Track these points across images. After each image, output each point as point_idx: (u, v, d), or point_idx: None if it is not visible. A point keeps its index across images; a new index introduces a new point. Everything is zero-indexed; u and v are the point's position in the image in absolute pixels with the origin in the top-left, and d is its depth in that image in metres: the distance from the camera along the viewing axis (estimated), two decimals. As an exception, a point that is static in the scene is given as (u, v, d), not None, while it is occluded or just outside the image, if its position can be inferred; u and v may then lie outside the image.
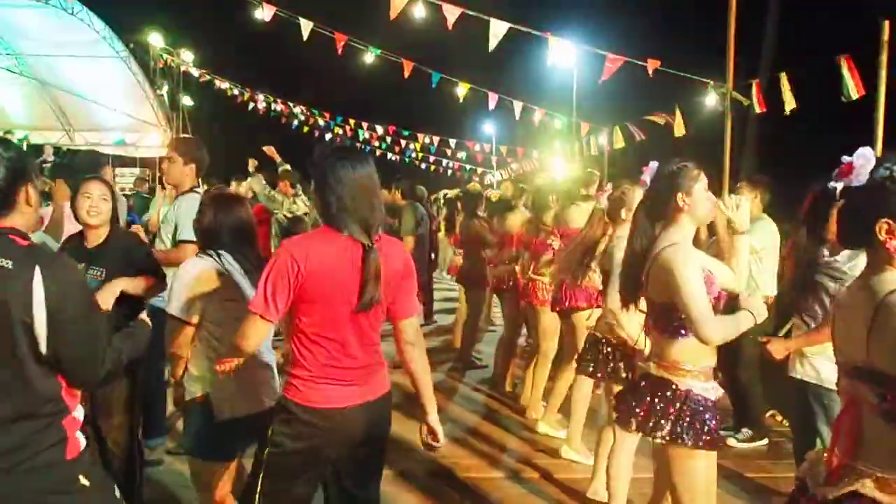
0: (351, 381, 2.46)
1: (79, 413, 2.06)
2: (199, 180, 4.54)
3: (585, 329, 4.50)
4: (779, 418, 5.63)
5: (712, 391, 2.77)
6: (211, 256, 2.99)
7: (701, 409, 2.71)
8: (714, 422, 2.72)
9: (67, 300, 1.93)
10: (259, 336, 2.40)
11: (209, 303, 2.93)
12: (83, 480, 2.00)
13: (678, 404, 2.70)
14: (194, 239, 3.29)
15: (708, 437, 2.69)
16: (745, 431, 5.16)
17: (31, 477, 1.90)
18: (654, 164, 2.94)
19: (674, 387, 2.73)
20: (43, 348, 1.90)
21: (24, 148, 13.60)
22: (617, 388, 3.78)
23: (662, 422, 2.70)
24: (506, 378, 6.50)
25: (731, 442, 5.05)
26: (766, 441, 5.18)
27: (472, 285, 7.34)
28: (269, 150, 8.12)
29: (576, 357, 4.34)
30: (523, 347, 7.04)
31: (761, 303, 2.77)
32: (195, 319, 2.94)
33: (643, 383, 2.84)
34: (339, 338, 2.41)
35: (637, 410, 2.79)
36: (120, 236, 3.62)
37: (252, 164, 8.27)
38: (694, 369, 2.74)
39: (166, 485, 4.25)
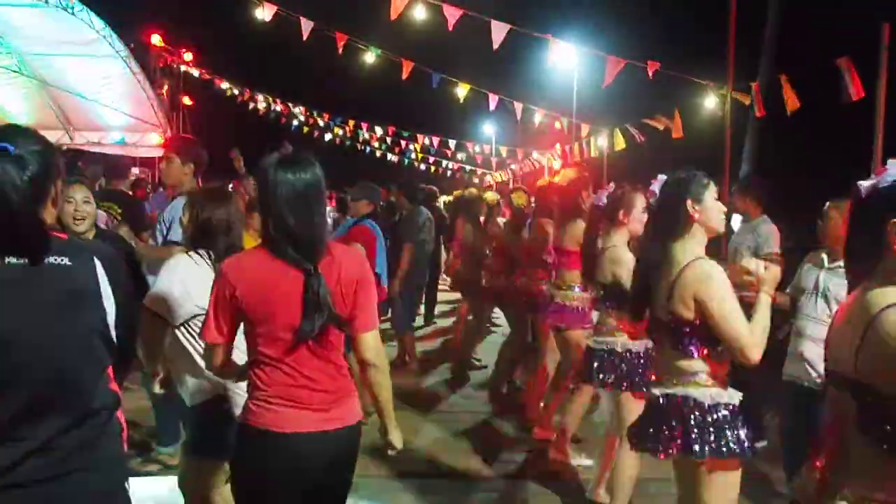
0: (307, 405, 2.26)
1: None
2: (199, 181, 4.53)
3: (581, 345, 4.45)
4: (779, 420, 5.62)
5: (734, 396, 2.68)
6: (201, 256, 2.94)
7: (725, 418, 2.61)
8: (742, 429, 2.62)
9: (123, 287, 1.91)
10: (219, 358, 2.33)
11: (196, 304, 2.85)
12: (127, 486, 1.96)
13: (701, 419, 2.60)
14: (181, 241, 3.27)
15: (732, 448, 2.59)
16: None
17: (86, 477, 1.81)
18: (662, 177, 2.85)
19: (693, 401, 2.62)
20: (114, 335, 1.87)
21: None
22: (624, 397, 3.78)
23: (688, 440, 2.59)
24: (508, 380, 6.48)
25: None
26: (764, 443, 5.17)
27: (470, 291, 7.35)
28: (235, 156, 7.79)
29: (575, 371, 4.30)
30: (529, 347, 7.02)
31: (773, 272, 2.63)
32: (177, 320, 2.89)
33: (660, 401, 2.71)
34: (290, 360, 2.24)
35: (658, 431, 2.68)
36: (105, 237, 3.60)
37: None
38: (711, 380, 2.65)
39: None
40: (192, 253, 2.97)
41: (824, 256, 3.78)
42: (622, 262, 3.78)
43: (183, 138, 4.53)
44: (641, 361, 3.77)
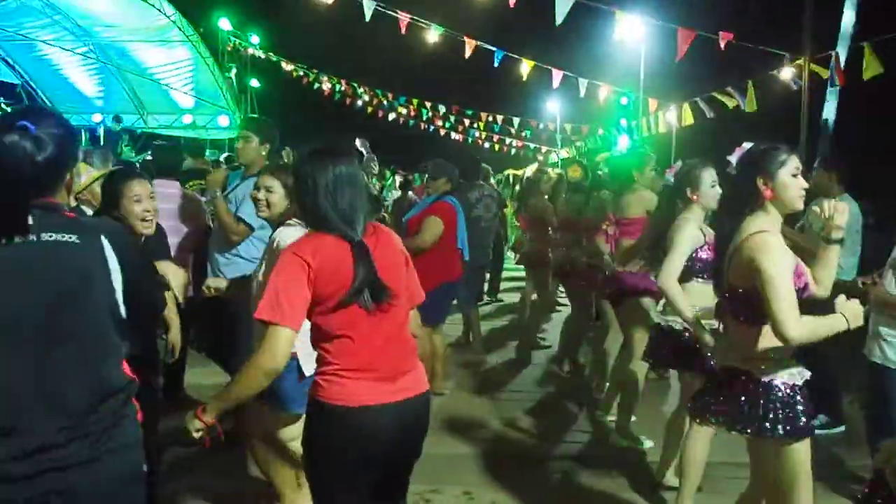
0: (377, 376, 2.30)
1: None
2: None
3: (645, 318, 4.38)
4: (858, 405, 5.42)
5: (799, 375, 2.63)
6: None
7: (791, 397, 2.58)
8: (805, 408, 2.59)
9: (134, 264, 1.95)
10: (287, 348, 2.18)
11: None
12: (144, 466, 2.00)
13: (766, 397, 2.57)
14: (249, 222, 3.31)
15: (802, 426, 2.57)
16: (822, 418, 4.99)
17: (113, 460, 1.85)
18: (745, 145, 2.75)
19: (759, 379, 2.59)
20: (123, 313, 1.90)
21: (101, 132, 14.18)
22: (689, 377, 3.69)
23: (751, 417, 2.57)
24: (571, 359, 6.42)
25: None
26: (842, 428, 5.00)
27: (535, 266, 7.31)
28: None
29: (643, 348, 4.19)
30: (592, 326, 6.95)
31: (859, 308, 2.56)
32: None
33: (725, 377, 2.69)
34: (358, 333, 2.28)
35: (721, 407, 2.67)
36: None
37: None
38: (777, 356, 2.60)
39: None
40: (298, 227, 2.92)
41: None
42: (684, 232, 3.63)
43: (260, 119, 4.60)
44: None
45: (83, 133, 15.52)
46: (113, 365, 1.89)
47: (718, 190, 3.68)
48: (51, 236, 1.77)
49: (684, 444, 3.69)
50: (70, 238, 1.79)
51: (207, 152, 17.42)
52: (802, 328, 2.46)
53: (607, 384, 5.42)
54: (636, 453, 4.57)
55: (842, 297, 2.59)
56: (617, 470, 4.34)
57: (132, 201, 2.98)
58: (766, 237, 2.54)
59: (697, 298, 3.52)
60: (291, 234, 2.87)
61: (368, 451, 2.32)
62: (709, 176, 3.73)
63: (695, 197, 3.73)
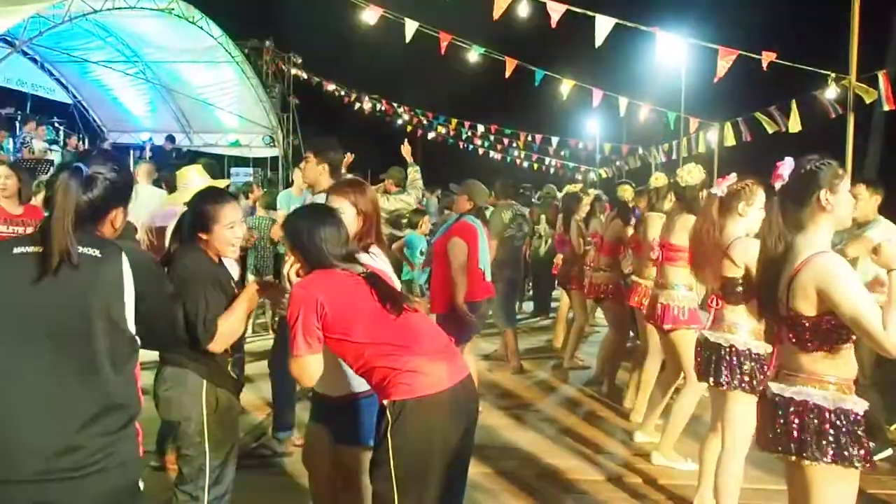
0: (444, 359, 2.58)
1: None
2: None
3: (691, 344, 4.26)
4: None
5: (859, 404, 2.53)
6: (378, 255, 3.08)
7: (849, 424, 2.49)
8: (863, 439, 2.49)
9: (152, 286, 2.09)
10: (315, 370, 2.58)
11: None
12: (140, 485, 2.07)
13: (818, 423, 2.48)
14: None
15: (858, 457, 2.46)
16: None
17: (103, 478, 1.91)
18: (789, 160, 2.68)
19: (813, 404, 2.51)
20: (133, 330, 2.01)
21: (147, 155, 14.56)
22: (733, 396, 3.58)
23: (804, 443, 2.49)
24: (609, 379, 6.38)
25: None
26: (888, 453, 4.86)
27: (572, 287, 7.31)
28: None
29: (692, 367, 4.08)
30: (629, 348, 6.90)
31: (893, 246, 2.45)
32: None
33: (778, 400, 2.59)
34: (405, 333, 2.55)
35: (775, 430, 2.58)
36: None
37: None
38: (837, 381, 2.52)
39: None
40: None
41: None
42: (747, 253, 3.50)
43: (319, 139, 4.67)
44: (761, 363, 3.55)
45: (131, 152, 15.91)
46: (116, 381, 1.97)
47: (763, 213, 3.62)
48: (79, 249, 1.95)
49: (718, 467, 3.63)
50: (93, 252, 1.98)
51: (250, 170, 17.83)
52: (893, 334, 2.34)
53: (643, 403, 5.37)
54: (674, 474, 4.51)
55: (880, 244, 2.46)
56: (655, 491, 4.29)
57: (225, 227, 2.91)
58: (827, 258, 2.48)
59: (747, 317, 3.58)
60: (377, 261, 3.02)
61: (458, 430, 2.54)
62: (762, 197, 3.55)
63: (745, 214, 3.64)
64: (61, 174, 1.99)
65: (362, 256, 2.88)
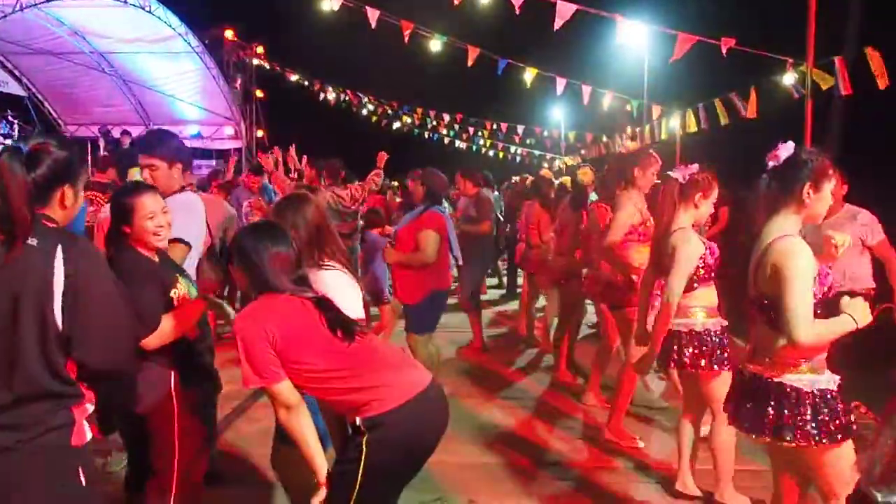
0: (404, 371, 2.55)
1: (90, 406, 2.09)
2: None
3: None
4: (863, 410, 5.38)
5: (832, 382, 2.61)
6: (334, 268, 3.00)
7: (824, 401, 2.56)
8: (841, 409, 2.57)
9: (89, 280, 1.98)
10: (291, 392, 2.45)
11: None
12: (81, 475, 2.02)
13: (800, 403, 2.56)
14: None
15: (839, 427, 2.55)
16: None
17: (35, 458, 1.92)
18: (791, 144, 2.72)
19: (791, 385, 2.58)
20: (59, 323, 1.93)
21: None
22: (702, 376, 3.70)
23: (789, 424, 2.56)
24: (560, 360, 6.43)
25: None
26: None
27: (533, 270, 7.56)
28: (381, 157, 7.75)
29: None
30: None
31: (865, 308, 2.56)
32: None
33: (755, 384, 2.68)
34: (357, 355, 2.48)
35: (753, 414, 2.66)
36: None
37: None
38: (809, 363, 2.60)
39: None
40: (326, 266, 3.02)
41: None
42: (690, 243, 3.65)
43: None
44: (718, 339, 3.71)
45: (89, 144, 15.56)
46: (38, 369, 1.94)
47: (711, 209, 3.81)
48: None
49: (711, 439, 3.73)
50: (32, 241, 1.92)
51: (212, 162, 17.57)
52: (811, 331, 2.47)
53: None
54: (646, 460, 4.53)
55: (846, 298, 2.60)
56: (627, 477, 4.32)
57: (145, 218, 2.88)
58: (793, 241, 2.56)
59: (702, 300, 3.71)
60: (333, 277, 2.96)
61: (435, 432, 2.55)
62: (716, 191, 3.76)
63: (699, 205, 3.72)
64: (2, 156, 1.90)
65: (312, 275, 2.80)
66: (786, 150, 2.71)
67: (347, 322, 2.51)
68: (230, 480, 4.05)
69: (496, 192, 11.21)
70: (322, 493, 2.46)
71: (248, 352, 2.39)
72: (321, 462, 2.49)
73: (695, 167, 3.80)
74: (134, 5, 13.57)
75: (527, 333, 7.84)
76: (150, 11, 13.96)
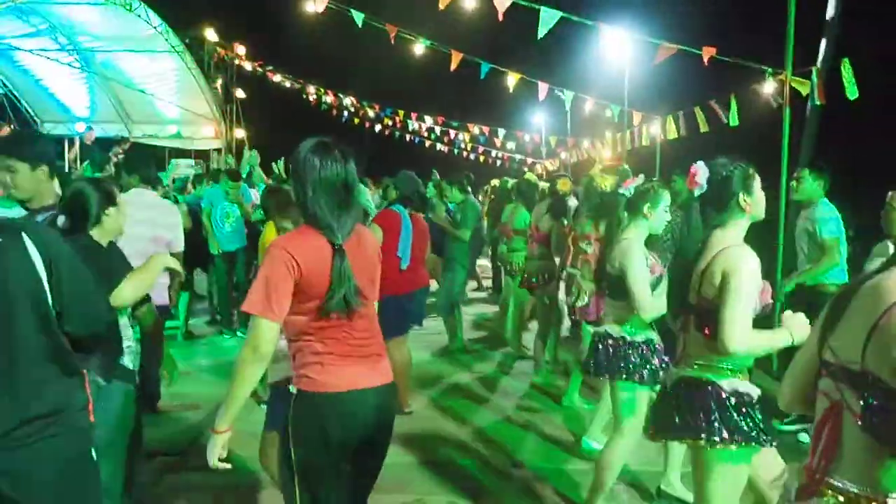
0: (360, 363, 2.45)
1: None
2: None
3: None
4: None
5: (753, 389, 2.68)
6: None
7: (748, 405, 2.63)
8: (758, 419, 2.62)
9: (60, 259, 2.01)
10: (270, 338, 2.31)
11: None
12: (93, 454, 2.07)
13: (726, 405, 2.61)
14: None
15: (760, 431, 2.60)
16: (792, 415, 5.07)
17: (57, 443, 1.94)
18: (701, 164, 2.76)
19: (718, 388, 2.64)
20: (52, 305, 1.97)
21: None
22: (618, 386, 3.74)
23: (712, 426, 2.60)
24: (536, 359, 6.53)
25: (778, 427, 4.97)
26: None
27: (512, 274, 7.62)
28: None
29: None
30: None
31: (805, 325, 2.58)
32: None
33: (682, 387, 2.73)
34: (345, 325, 2.41)
35: (680, 416, 2.69)
36: None
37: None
38: (733, 368, 2.66)
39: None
40: None
41: (890, 246, 3.67)
42: (633, 255, 3.65)
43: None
44: (641, 350, 3.74)
45: (65, 143, 15.38)
46: (58, 351, 1.98)
47: (668, 216, 3.81)
48: None
49: (606, 451, 3.76)
50: None
51: (192, 161, 17.44)
52: (745, 341, 2.51)
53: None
54: (630, 461, 4.55)
55: (788, 312, 2.64)
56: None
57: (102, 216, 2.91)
58: (744, 251, 2.61)
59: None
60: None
61: (354, 432, 2.43)
62: (667, 199, 3.80)
63: (650, 215, 3.76)
64: None
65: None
66: (702, 172, 2.74)
67: (352, 293, 2.39)
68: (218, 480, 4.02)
69: (478, 198, 11.31)
70: (217, 440, 2.36)
71: (268, 276, 2.29)
72: (232, 412, 2.35)
73: (640, 178, 3.89)
74: (114, 3, 13.43)
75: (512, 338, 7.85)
76: (130, 9, 13.82)
